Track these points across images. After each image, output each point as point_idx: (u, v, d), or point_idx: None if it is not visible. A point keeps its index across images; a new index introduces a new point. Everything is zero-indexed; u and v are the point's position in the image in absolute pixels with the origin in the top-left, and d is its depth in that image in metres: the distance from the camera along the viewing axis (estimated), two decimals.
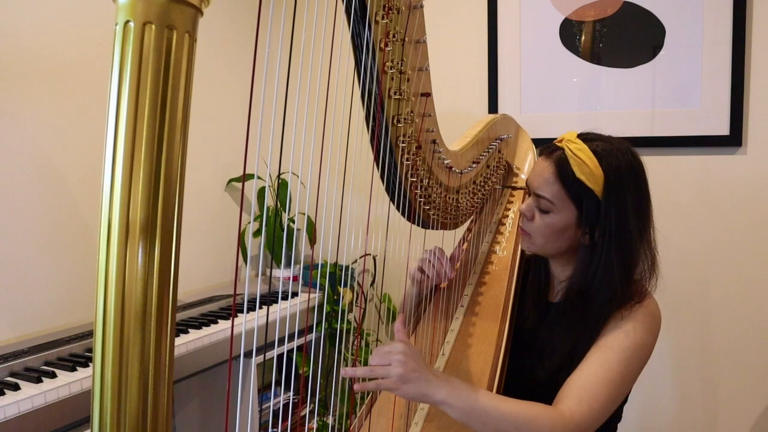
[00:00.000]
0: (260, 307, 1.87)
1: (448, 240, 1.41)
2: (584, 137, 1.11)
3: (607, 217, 1.06)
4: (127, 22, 0.42)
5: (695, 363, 2.06)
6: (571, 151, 1.08)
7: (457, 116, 2.30)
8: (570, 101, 2.18)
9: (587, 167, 1.06)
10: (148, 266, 0.45)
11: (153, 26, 0.42)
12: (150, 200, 0.44)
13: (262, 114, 0.65)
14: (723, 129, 1.94)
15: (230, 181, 2.48)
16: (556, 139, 1.16)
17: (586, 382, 1.01)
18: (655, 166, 2.06)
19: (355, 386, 0.98)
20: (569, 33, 2.15)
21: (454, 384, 0.96)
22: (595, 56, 2.12)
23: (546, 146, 1.16)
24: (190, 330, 1.83)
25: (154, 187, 0.44)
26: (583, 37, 2.14)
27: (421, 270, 1.29)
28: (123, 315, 0.44)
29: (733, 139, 1.93)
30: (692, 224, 2.02)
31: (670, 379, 2.10)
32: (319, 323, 2.24)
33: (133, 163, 0.44)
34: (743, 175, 1.95)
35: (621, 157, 1.08)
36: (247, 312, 2.00)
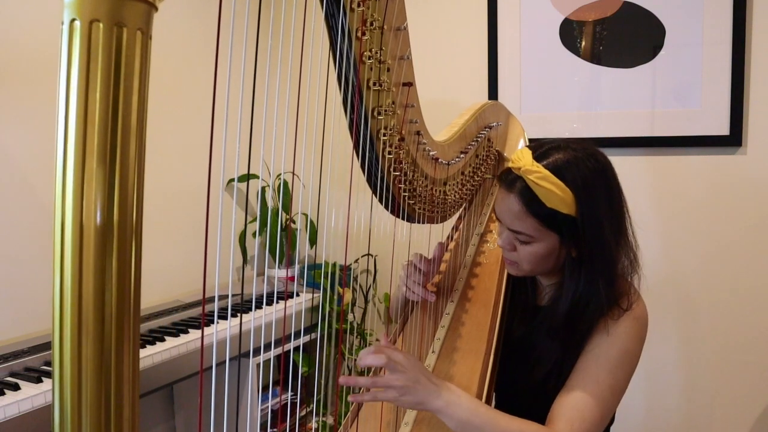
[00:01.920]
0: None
1: (436, 233, 1.37)
2: (539, 155, 1.04)
3: (584, 231, 1.02)
4: (73, 20, 0.40)
5: (698, 362, 2.05)
6: (533, 182, 1.01)
7: (456, 116, 2.28)
8: (570, 101, 2.16)
9: (554, 194, 1.00)
10: (105, 276, 0.43)
11: (101, 24, 0.40)
12: (104, 208, 0.42)
13: (241, 112, 0.64)
14: (723, 129, 1.92)
15: (230, 181, 2.47)
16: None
17: (574, 401, 0.99)
18: (655, 166, 2.07)
19: (350, 398, 0.97)
20: (569, 33, 2.14)
21: (454, 393, 0.95)
22: (595, 56, 2.11)
23: (503, 173, 1.09)
24: (190, 330, 1.82)
25: (108, 195, 0.42)
26: (583, 37, 2.12)
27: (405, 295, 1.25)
28: (80, 328, 0.42)
29: (733, 139, 1.91)
30: (692, 224, 2.01)
31: (676, 378, 2.09)
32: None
33: (85, 171, 0.41)
34: (743, 175, 1.93)
35: (582, 165, 1.02)
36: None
